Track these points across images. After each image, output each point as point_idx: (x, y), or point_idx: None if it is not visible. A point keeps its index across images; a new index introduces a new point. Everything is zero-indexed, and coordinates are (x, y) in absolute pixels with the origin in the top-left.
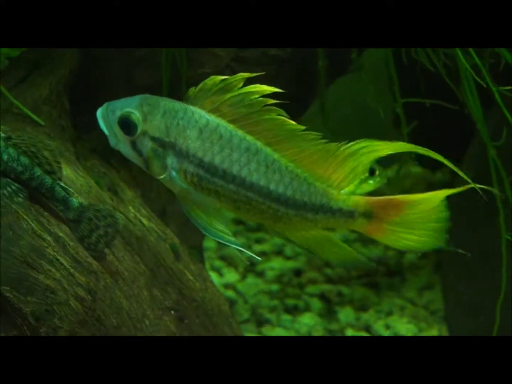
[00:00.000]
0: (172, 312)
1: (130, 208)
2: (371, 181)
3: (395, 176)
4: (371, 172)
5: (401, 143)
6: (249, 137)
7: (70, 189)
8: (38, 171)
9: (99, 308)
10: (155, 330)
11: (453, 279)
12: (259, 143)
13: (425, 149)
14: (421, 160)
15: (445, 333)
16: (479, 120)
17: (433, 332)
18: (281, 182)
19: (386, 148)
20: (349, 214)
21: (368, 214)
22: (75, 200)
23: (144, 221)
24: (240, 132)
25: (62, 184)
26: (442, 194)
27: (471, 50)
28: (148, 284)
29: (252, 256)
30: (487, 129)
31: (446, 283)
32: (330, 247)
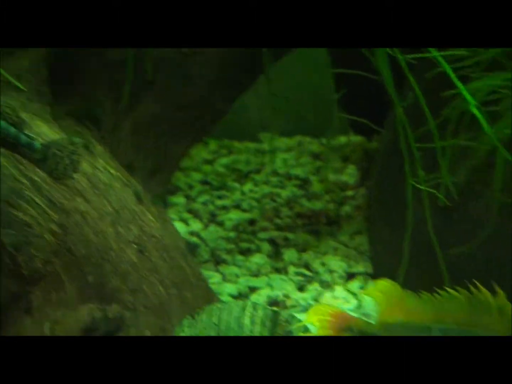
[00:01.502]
0: (134, 245)
1: (100, 160)
2: None
3: (337, 144)
4: None
5: None
6: None
7: (32, 135)
8: (3, 124)
9: (70, 241)
10: (120, 260)
11: (378, 226)
12: None
13: None
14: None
15: (370, 269)
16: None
17: (360, 268)
18: None
19: None
20: None
21: None
22: (37, 143)
23: (112, 170)
24: None
25: (25, 132)
26: None
27: None
28: (114, 222)
29: None
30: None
31: (373, 230)
32: None
